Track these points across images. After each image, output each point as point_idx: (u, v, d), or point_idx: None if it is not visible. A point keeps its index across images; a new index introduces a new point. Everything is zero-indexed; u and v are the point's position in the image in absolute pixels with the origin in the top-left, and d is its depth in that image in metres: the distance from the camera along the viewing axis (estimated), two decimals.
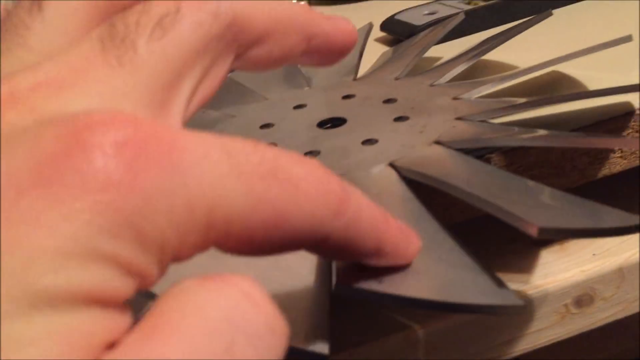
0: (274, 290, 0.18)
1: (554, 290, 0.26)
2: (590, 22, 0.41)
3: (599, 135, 0.22)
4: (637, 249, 0.27)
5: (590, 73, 0.32)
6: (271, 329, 0.11)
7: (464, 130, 0.24)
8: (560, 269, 0.26)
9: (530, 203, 0.18)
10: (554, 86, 0.32)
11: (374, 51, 0.42)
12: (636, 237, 0.27)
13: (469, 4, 0.45)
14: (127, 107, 0.13)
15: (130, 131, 0.11)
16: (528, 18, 0.33)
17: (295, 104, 0.31)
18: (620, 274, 0.27)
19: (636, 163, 0.28)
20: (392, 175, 0.22)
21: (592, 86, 0.31)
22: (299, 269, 0.18)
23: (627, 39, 0.27)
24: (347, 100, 0.30)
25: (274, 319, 0.12)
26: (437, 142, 0.24)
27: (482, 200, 0.18)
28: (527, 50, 0.36)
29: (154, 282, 0.12)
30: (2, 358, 0.09)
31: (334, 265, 0.17)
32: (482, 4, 0.44)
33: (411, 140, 0.24)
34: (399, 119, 0.27)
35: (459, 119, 0.26)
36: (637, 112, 0.27)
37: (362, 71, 0.36)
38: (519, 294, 0.25)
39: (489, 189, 0.19)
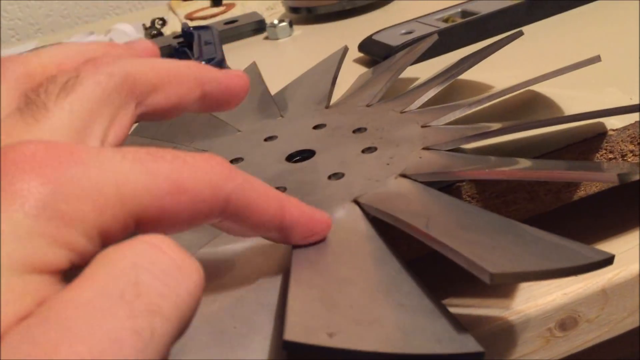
0: (233, 342, 0.17)
1: (536, 314, 0.26)
2: (559, 39, 0.41)
3: (576, 167, 0.22)
4: (621, 269, 0.26)
5: (563, 91, 0.31)
6: (177, 267, 0.14)
7: (430, 162, 0.24)
8: (542, 293, 0.26)
9: (487, 243, 0.18)
10: (528, 107, 0.31)
11: (352, 72, 0.42)
12: (620, 256, 0.27)
13: (446, 21, 0.45)
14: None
15: (35, 146, 0.14)
16: (499, 39, 0.33)
17: (266, 136, 0.30)
18: (604, 295, 0.27)
19: (614, 184, 0.27)
20: (356, 212, 0.22)
21: (566, 104, 0.30)
22: (257, 321, 0.18)
23: (596, 59, 0.27)
24: (318, 131, 0.30)
25: (180, 260, 0.14)
26: (404, 175, 0.24)
27: (437, 243, 0.18)
28: (499, 68, 0.36)
29: (89, 253, 0.14)
30: None
31: (285, 319, 0.16)
32: (459, 21, 0.44)
33: (377, 174, 0.24)
34: (367, 149, 0.26)
35: (426, 148, 0.25)
36: (609, 133, 0.27)
37: (338, 93, 0.36)
38: (492, 324, 0.25)
39: (449, 228, 0.19)
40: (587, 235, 0.28)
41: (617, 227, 0.28)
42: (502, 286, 0.27)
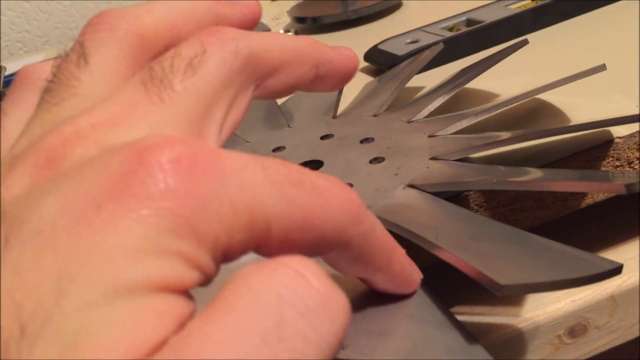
0: None
1: (545, 321, 0.26)
2: (564, 47, 0.41)
3: (584, 178, 0.22)
4: (630, 275, 0.26)
5: (568, 99, 0.31)
6: (324, 303, 0.12)
7: (438, 172, 0.24)
8: (551, 300, 0.26)
9: (497, 254, 0.18)
10: (534, 115, 0.31)
11: (358, 81, 0.42)
12: (628, 263, 0.27)
13: (451, 30, 0.45)
14: (171, 134, 0.15)
15: (181, 149, 0.13)
16: (504, 47, 0.33)
17: (274, 147, 0.31)
18: (613, 301, 0.27)
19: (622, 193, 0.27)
20: None
21: (572, 112, 0.31)
22: None
23: (602, 67, 0.27)
24: (325, 141, 0.30)
25: (327, 294, 0.13)
26: (412, 186, 0.24)
27: (447, 254, 0.18)
28: (504, 76, 0.36)
29: (211, 275, 0.13)
30: (93, 337, 0.11)
31: None
32: (464, 29, 0.44)
33: (385, 184, 0.24)
34: (374, 160, 0.27)
35: (434, 158, 0.25)
36: (616, 140, 0.27)
37: (345, 103, 0.36)
38: (501, 331, 0.25)
39: (457, 239, 0.19)
40: (593, 241, 0.28)
41: (624, 233, 0.28)
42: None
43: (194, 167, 0.13)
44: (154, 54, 0.18)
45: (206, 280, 0.13)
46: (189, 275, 0.13)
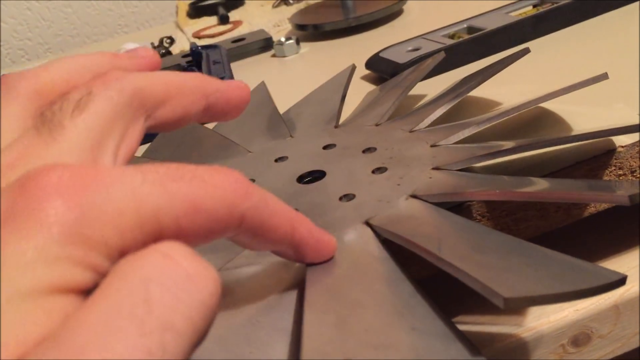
0: None
1: (549, 331, 0.26)
2: (565, 54, 0.41)
3: (587, 188, 0.22)
4: (633, 284, 0.26)
5: (570, 107, 0.31)
6: (190, 276, 0.14)
7: (441, 182, 0.24)
8: (555, 309, 0.26)
9: (500, 266, 0.18)
10: (536, 124, 0.31)
11: (360, 89, 0.42)
12: (630, 272, 0.27)
13: (452, 37, 0.45)
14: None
15: (59, 171, 0.15)
16: (506, 55, 0.33)
17: (277, 157, 0.31)
18: (616, 310, 0.26)
19: (626, 204, 0.27)
20: (368, 234, 0.22)
21: (574, 121, 0.31)
22: (273, 346, 0.18)
23: (604, 76, 0.27)
24: (328, 151, 0.30)
25: (193, 269, 0.14)
26: (414, 196, 0.24)
27: (450, 266, 0.18)
28: (506, 83, 0.36)
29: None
30: (3, 331, 0.13)
31: (301, 344, 0.16)
32: (465, 37, 0.44)
33: (388, 195, 0.24)
34: (377, 170, 0.27)
35: (436, 168, 0.25)
36: (618, 149, 0.27)
37: (347, 112, 0.36)
38: (505, 341, 0.25)
39: (461, 251, 0.19)
40: (594, 251, 0.28)
41: (625, 243, 0.28)
42: None
43: (74, 185, 0.15)
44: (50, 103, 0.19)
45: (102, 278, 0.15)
46: (81, 276, 0.14)
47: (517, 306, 0.17)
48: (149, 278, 0.14)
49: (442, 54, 0.36)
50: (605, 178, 0.27)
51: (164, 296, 0.13)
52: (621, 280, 0.17)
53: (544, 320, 0.26)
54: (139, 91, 0.19)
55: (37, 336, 0.13)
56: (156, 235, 0.15)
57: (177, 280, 0.14)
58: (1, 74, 0.88)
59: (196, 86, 0.21)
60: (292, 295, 0.20)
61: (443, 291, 0.21)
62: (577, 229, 0.28)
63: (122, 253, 0.15)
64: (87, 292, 0.14)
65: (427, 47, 0.43)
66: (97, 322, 0.13)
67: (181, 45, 0.71)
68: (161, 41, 0.71)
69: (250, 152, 0.33)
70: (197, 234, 0.16)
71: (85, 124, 0.18)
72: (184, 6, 0.88)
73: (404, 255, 0.22)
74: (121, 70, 0.20)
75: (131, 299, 0.13)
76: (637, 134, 0.27)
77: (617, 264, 0.27)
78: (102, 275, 0.15)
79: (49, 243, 0.14)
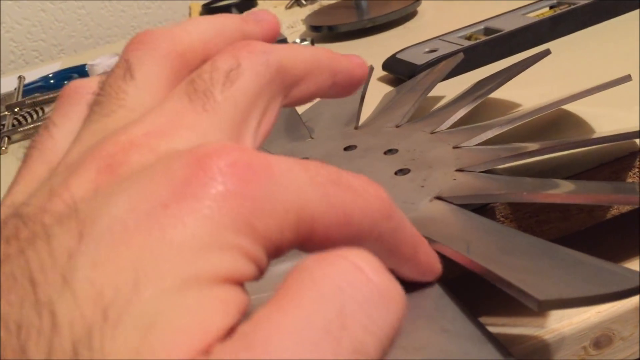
0: None
1: (571, 333, 0.26)
2: (584, 55, 0.41)
3: (613, 191, 0.22)
4: None
5: (592, 109, 0.31)
6: (380, 294, 0.13)
7: (465, 184, 0.24)
8: (576, 312, 0.26)
9: (531, 268, 0.18)
10: (558, 125, 0.31)
11: (377, 90, 0.42)
12: None
13: (469, 38, 0.45)
14: (222, 141, 0.16)
15: (237, 155, 0.14)
16: (526, 57, 0.33)
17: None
18: (638, 313, 0.26)
19: None
20: None
21: (596, 123, 0.30)
22: None
23: (627, 78, 0.27)
24: (349, 152, 0.30)
25: (383, 285, 0.13)
26: (439, 198, 0.24)
27: (481, 268, 0.18)
28: (524, 85, 0.36)
29: (264, 269, 0.14)
30: (170, 323, 0.12)
31: None
32: (482, 38, 0.44)
33: (412, 197, 0.24)
34: (399, 171, 0.27)
35: (460, 170, 0.25)
36: None
37: (365, 112, 0.36)
38: (527, 343, 0.25)
39: (489, 252, 0.19)
40: (617, 252, 0.28)
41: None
42: None
43: (249, 172, 0.14)
44: (191, 69, 0.19)
45: (260, 274, 0.14)
46: (248, 268, 0.14)
47: (550, 308, 0.17)
48: (342, 289, 0.13)
49: (461, 56, 0.36)
50: (629, 180, 0.27)
51: (357, 313, 0.13)
52: None
53: (566, 322, 0.26)
54: (283, 67, 0.18)
55: (217, 328, 0.12)
56: (306, 238, 0.15)
57: (369, 296, 0.13)
58: (1, 74, 0.88)
59: (327, 63, 0.20)
60: None
61: (464, 293, 0.21)
62: (599, 231, 0.28)
63: (276, 250, 0.14)
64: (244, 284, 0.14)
65: (445, 49, 0.43)
66: (292, 330, 0.12)
67: None
68: None
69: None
70: (339, 243, 0.15)
71: (235, 98, 0.17)
72: (197, 7, 0.88)
73: None
74: (254, 39, 0.19)
75: (326, 310, 0.12)
76: None
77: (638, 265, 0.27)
78: (259, 269, 0.14)
79: (224, 229, 0.13)
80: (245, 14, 0.22)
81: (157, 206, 0.13)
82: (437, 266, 0.20)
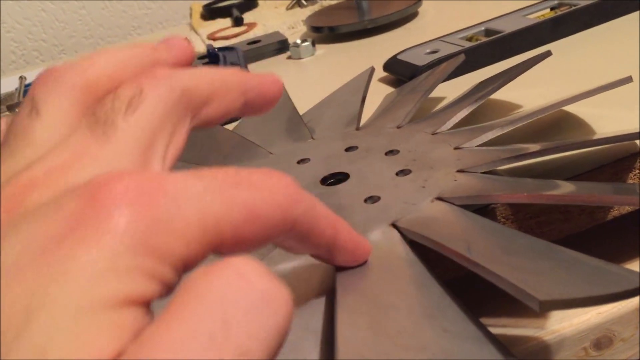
0: None
1: (571, 334, 0.26)
2: (584, 56, 0.41)
3: (614, 191, 0.22)
4: None
5: (593, 110, 0.31)
6: (265, 299, 0.13)
7: (465, 185, 0.24)
8: (577, 313, 0.26)
9: (531, 268, 0.18)
10: (559, 127, 0.31)
11: (378, 91, 0.42)
12: None
13: (470, 40, 0.45)
14: (119, 169, 0.16)
15: (127, 181, 0.14)
16: (527, 58, 0.33)
17: (298, 159, 0.31)
18: (638, 314, 0.26)
19: None
20: (395, 236, 0.22)
21: (597, 124, 0.31)
22: (303, 346, 0.18)
23: (628, 80, 0.27)
24: (350, 153, 0.30)
25: (268, 291, 0.14)
26: (439, 198, 0.24)
27: (481, 268, 0.18)
28: (525, 86, 0.36)
29: (173, 285, 0.15)
30: (58, 350, 0.12)
31: (336, 345, 0.17)
32: (483, 39, 0.44)
33: (413, 197, 0.24)
34: (401, 172, 0.27)
35: (461, 171, 0.25)
36: None
37: (366, 113, 0.36)
38: (528, 344, 0.25)
39: (490, 253, 0.19)
40: (617, 254, 0.28)
41: None
42: None
43: (141, 195, 0.14)
44: (99, 99, 0.19)
45: (167, 290, 0.15)
46: (149, 288, 0.14)
47: (551, 309, 0.18)
48: (225, 298, 0.13)
49: (462, 57, 0.36)
50: (630, 181, 0.27)
51: (240, 320, 0.13)
52: None
53: (567, 323, 0.26)
54: (187, 90, 0.19)
55: (111, 351, 0.13)
56: (217, 244, 0.15)
57: (253, 302, 0.13)
58: (1, 75, 0.89)
59: (237, 83, 0.21)
60: (321, 297, 0.20)
61: (464, 294, 0.22)
62: (600, 232, 0.28)
63: (185, 263, 0.15)
64: (150, 303, 0.14)
65: (446, 50, 0.43)
66: (175, 345, 0.12)
67: (196, 47, 0.72)
68: None
69: (271, 153, 0.33)
70: (253, 240, 0.16)
71: (138, 124, 0.17)
72: (198, 8, 0.88)
73: (427, 258, 0.23)
74: (164, 66, 0.20)
75: (209, 322, 0.13)
76: None
77: (637, 267, 0.27)
78: (167, 286, 0.14)
79: (120, 253, 0.14)
80: (158, 41, 0.22)
81: (51, 241, 0.14)
82: (364, 244, 0.21)
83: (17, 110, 0.55)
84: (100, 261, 0.13)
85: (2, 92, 0.68)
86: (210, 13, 0.84)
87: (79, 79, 0.19)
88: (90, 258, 0.13)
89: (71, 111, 0.18)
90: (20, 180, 0.16)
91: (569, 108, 0.32)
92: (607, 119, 0.31)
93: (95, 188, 0.14)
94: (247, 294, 0.13)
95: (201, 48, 0.70)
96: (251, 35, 0.69)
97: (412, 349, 0.17)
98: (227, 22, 0.79)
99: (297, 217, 0.17)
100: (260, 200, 0.16)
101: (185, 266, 0.15)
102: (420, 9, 0.64)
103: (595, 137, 0.29)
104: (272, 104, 0.22)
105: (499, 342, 0.17)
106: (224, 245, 0.15)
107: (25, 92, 0.61)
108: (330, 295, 0.20)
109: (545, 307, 0.16)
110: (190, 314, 0.13)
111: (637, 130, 0.25)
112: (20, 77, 0.62)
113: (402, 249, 0.22)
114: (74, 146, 0.17)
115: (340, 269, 0.21)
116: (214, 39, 0.72)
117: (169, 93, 0.18)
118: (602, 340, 0.26)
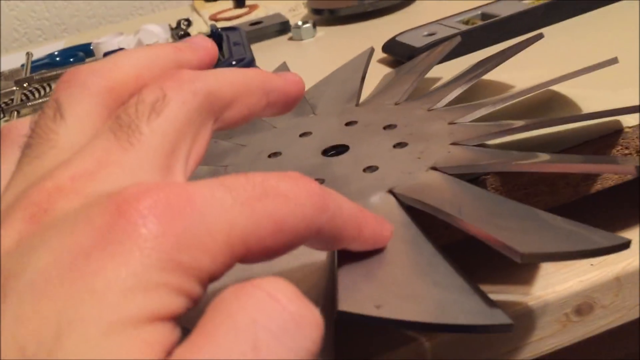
0: None
1: (554, 300, 0.27)
2: (576, 41, 0.43)
3: (595, 160, 0.23)
4: (634, 258, 0.28)
5: (581, 91, 0.33)
6: (296, 322, 0.14)
7: (459, 156, 0.26)
8: (560, 280, 0.27)
9: (516, 228, 0.20)
10: (548, 105, 0.33)
11: (377, 71, 0.44)
12: (631, 247, 0.28)
13: (466, 23, 0.47)
14: (144, 176, 0.16)
15: (155, 195, 0.15)
16: (520, 41, 0.35)
17: (301, 132, 0.32)
18: (618, 282, 0.28)
19: (628, 178, 0.29)
20: (392, 202, 0.24)
21: (584, 104, 0.32)
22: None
23: (613, 61, 0.29)
24: (350, 127, 0.32)
25: (298, 313, 0.14)
26: (434, 168, 0.26)
27: (472, 227, 0.20)
28: (519, 68, 0.38)
29: (199, 298, 0.15)
30: None
31: (337, 293, 0.18)
32: (479, 23, 0.45)
33: (409, 167, 0.26)
34: (398, 145, 0.28)
35: (454, 144, 0.27)
36: (625, 130, 0.28)
37: (365, 91, 0.38)
38: (513, 308, 0.26)
39: (479, 215, 0.21)
40: (599, 226, 0.30)
41: (627, 220, 0.30)
42: (523, 273, 0.28)
43: (168, 210, 0.14)
44: (123, 102, 0.19)
45: (194, 303, 0.15)
46: (177, 303, 0.14)
47: (531, 261, 0.19)
48: (256, 321, 0.13)
49: (458, 39, 0.38)
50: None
51: (271, 343, 0.13)
52: (625, 244, 0.19)
53: (550, 290, 0.27)
54: (211, 94, 0.19)
55: None
56: (242, 256, 0.15)
57: (284, 325, 0.13)
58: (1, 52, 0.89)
59: (259, 85, 0.20)
60: (318, 298, 0.22)
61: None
62: (583, 206, 0.30)
63: (211, 276, 0.15)
64: (178, 318, 0.14)
65: (443, 32, 0.45)
66: None
67: (198, 28, 0.73)
68: (179, 23, 0.73)
69: (275, 127, 0.34)
70: (277, 250, 0.16)
71: (162, 129, 0.17)
72: None
73: (423, 224, 0.24)
74: (188, 69, 0.19)
75: (240, 343, 0.13)
76: None
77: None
78: (193, 300, 0.15)
79: (147, 270, 0.14)
80: (181, 41, 0.22)
81: (79, 256, 0.14)
82: (384, 234, 0.21)
83: (24, 85, 0.56)
84: (129, 278, 0.13)
85: (5, 68, 0.69)
86: None
87: (103, 82, 0.19)
88: (119, 275, 0.13)
89: (95, 115, 0.18)
90: (45, 185, 0.16)
91: (557, 88, 0.34)
92: (594, 99, 0.32)
93: (124, 201, 0.14)
94: (278, 316, 0.13)
95: (204, 28, 0.71)
96: (253, 16, 0.70)
97: (405, 297, 0.18)
98: (229, 3, 0.80)
99: (322, 225, 0.17)
100: (288, 212, 0.16)
101: (211, 279, 0.15)
102: None
103: (580, 113, 0.30)
104: (294, 105, 0.22)
105: (484, 294, 0.19)
106: (248, 256, 0.16)
107: (33, 68, 0.62)
108: (328, 295, 0.22)
109: (526, 259, 0.17)
110: (221, 337, 0.13)
111: (620, 107, 0.26)
112: (27, 53, 0.64)
113: (398, 213, 0.23)
114: (99, 152, 0.17)
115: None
116: (216, 20, 0.73)
117: (192, 97, 0.18)
118: (583, 306, 0.28)
